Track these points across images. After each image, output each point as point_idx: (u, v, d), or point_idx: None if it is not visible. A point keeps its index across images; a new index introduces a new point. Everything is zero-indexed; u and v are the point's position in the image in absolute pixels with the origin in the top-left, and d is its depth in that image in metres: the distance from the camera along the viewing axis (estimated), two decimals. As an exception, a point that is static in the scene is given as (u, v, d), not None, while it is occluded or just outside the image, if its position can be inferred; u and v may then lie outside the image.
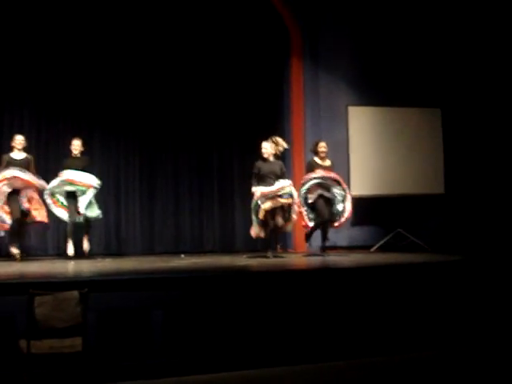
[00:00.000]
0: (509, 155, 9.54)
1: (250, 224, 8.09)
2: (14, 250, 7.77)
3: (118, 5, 9.40)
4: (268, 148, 8.02)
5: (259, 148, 8.05)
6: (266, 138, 8.10)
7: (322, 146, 8.29)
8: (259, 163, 8.00)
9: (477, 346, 5.55)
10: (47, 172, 8.47)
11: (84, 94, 9.42)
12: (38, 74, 9.26)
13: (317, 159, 8.29)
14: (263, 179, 7.88)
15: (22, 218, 7.78)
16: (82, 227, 8.28)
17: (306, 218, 8.09)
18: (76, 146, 8.29)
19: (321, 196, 8.06)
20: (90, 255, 8.34)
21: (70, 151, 8.33)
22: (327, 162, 8.30)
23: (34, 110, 9.33)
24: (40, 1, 9.12)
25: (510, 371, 4.70)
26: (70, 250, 8.07)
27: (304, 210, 8.07)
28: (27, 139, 8.12)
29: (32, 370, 4.24)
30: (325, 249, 8.25)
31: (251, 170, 8.03)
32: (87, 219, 8.24)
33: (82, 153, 8.35)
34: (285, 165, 8.31)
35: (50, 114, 9.38)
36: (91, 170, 8.39)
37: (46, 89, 9.31)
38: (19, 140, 7.95)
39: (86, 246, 8.28)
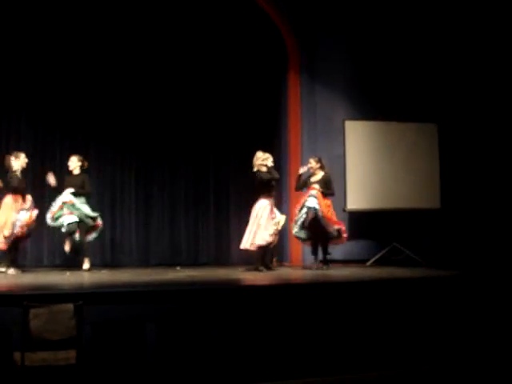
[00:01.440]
0: (505, 170, 9.57)
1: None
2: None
3: (112, 22, 9.41)
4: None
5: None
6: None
7: (308, 162, 8.47)
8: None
9: (474, 361, 5.55)
10: (43, 187, 8.49)
11: (80, 108, 9.42)
12: (34, 89, 9.27)
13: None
14: (273, 189, 8.22)
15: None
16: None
17: (297, 235, 8.36)
18: (70, 161, 8.28)
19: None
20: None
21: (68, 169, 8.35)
22: (316, 177, 8.38)
23: (30, 125, 9.32)
24: (35, 18, 9.15)
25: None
26: (67, 247, 8.11)
27: (297, 228, 8.30)
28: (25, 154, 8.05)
29: (26, 382, 4.22)
30: (322, 262, 8.28)
31: (276, 174, 8.23)
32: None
33: (81, 169, 8.31)
34: (281, 178, 8.42)
35: (46, 129, 9.38)
36: (90, 186, 8.35)
37: (42, 103, 9.32)
38: (24, 159, 7.87)
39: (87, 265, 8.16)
